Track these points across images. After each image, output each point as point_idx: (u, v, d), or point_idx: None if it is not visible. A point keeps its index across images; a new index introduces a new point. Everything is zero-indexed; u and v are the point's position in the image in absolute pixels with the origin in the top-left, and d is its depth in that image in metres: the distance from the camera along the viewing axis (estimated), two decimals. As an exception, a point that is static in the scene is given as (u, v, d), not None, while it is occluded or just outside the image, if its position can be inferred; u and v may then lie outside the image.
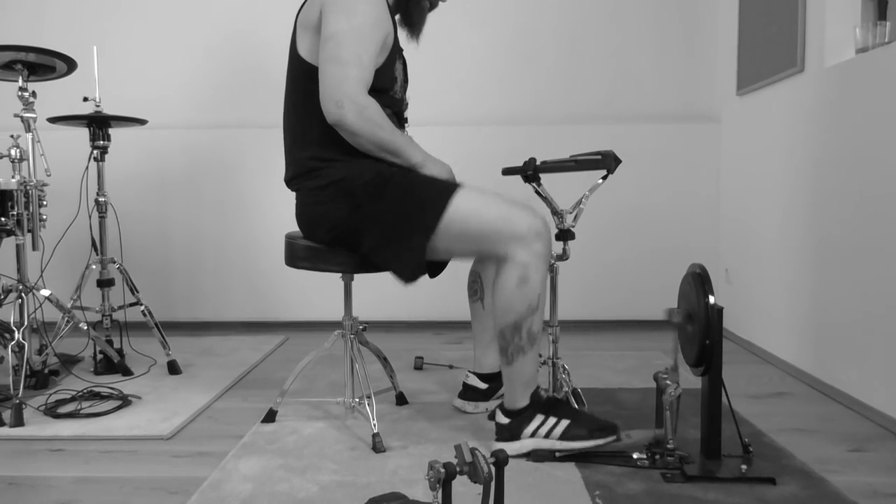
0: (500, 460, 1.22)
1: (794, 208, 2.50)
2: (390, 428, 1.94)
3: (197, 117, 3.32)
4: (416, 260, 1.68)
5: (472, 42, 3.31)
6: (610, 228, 3.28)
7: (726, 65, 3.17)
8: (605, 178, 1.96)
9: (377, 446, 1.76)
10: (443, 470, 1.16)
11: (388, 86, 1.78)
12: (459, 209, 1.66)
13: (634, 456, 1.67)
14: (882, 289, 1.97)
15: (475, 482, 1.18)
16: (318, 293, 3.31)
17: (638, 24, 3.29)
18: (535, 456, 1.70)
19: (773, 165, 2.67)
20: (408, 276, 1.71)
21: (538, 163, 1.92)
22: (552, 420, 1.70)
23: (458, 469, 1.17)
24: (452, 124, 3.29)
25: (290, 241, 1.87)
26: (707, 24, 3.28)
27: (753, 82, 2.82)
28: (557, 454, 1.69)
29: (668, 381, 1.63)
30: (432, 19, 3.23)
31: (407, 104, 1.94)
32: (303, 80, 1.77)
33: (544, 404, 1.73)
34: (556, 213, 1.95)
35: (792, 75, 2.51)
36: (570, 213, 1.96)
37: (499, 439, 1.74)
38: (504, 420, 1.73)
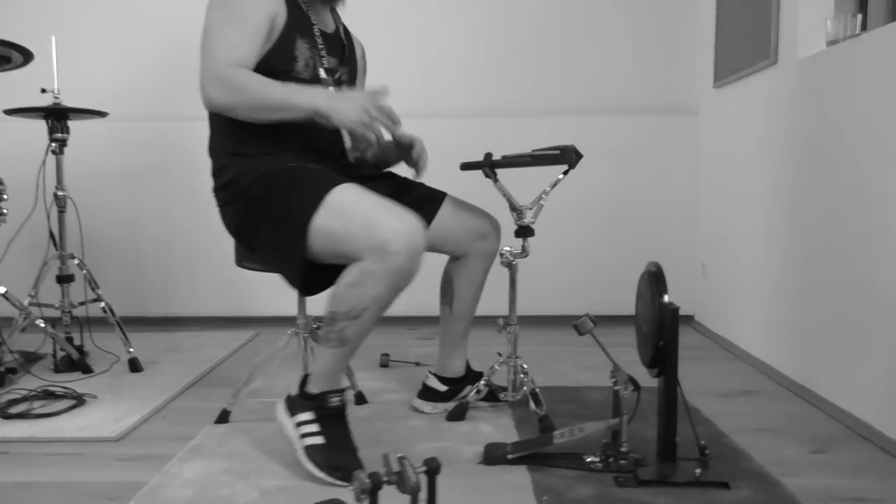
0: (433, 469, 1.18)
1: (767, 204, 2.45)
2: (345, 429, 1.90)
3: (164, 109, 3.26)
4: (300, 262, 1.58)
5: (449, 34, 3.25)
6: (586, 222, 3.23)
7: (705, 57, 3.12)
8: (566, 172, 1.91)
9: (326, 449, 1.72)
10: (368, 480, 1.11)
11: (286, 67, 1.69)
12: (332, 208, 1.52)
13: (587, 459, 1.63)
14: (852, 287, 1.93)
15: (403, 492, 1.14)
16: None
17: (615, 15, 3.22)
18: (488, 459, 1.66)
19: (748, 160, 2.62)
20: (296, 282, 1.63)
21: (501, 157, 1.88)
22: (312, 427, 1.59)
23: (384, 479, 1.13)
24: (429, 117, 3.22)
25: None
26: (685, 15, 3.22)
27: (729, 75, 2.77)
28: (509, 457, 1.65)
29: (618, 384, 1.59)
30: (410, 10, 3.19)
31: (342, 82, 1.85)
32: None
33: (322, 409, 1.60)
34: (514, 209, 1.90)
35: (765, 68, 2.45)
36: (530, 208, 1.91)
37: (287, 400, 1.64)
38: (295, 391, 1.64)
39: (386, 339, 2.99)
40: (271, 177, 1.63)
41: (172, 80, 3.25)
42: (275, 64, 1.66)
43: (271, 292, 3.26)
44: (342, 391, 1.62)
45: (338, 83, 1.84)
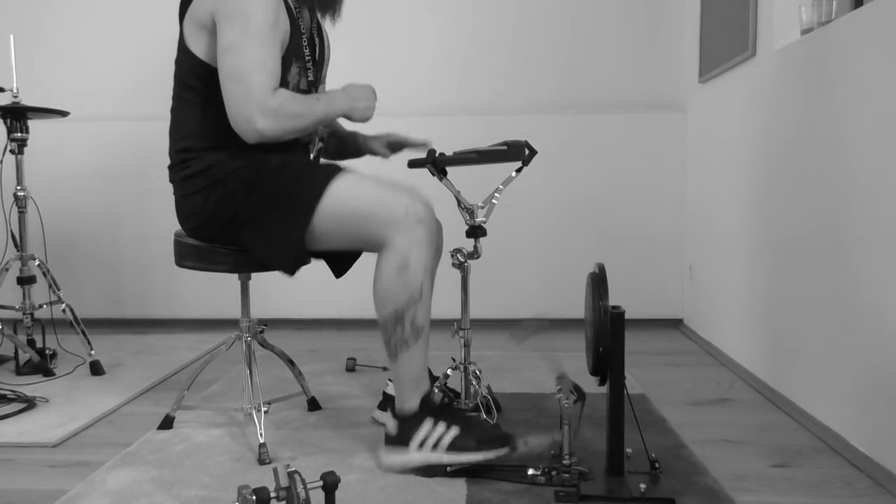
0: (329, 484, 1.11)
1: (747, 203, 2.35)
2: (289, 436, 1.83)
3: (140, 109, 3.23)
4: (294, 247, 1.57)
5: (428, 30, 3.18)
6: (571, 222, 3.13)
7: (691, 50, 3.01)
8: (519, 170, 1.83)
9: (262, 458, 1.65)
10: (253, 497, 1.04)
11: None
12: (338, 192, 1.56)
13: (529, 472, 1.54)
14: (830, 290, 1.82)
15: (293, 509, 1.07)
16: (276, 289, 3.21)
17: (600, 8, 3.13)
18: (426, 471, 1.58)
19: (730, 157, 2.51)
20: (288, 266, 1.60)
21: (448, 154, 1.80)
22: (441, 428, 1.57)
23: (272, 494, 1.06)
24: (407, 115, 3.15)
25: (177, 238, 1.76)
26: (672, 8, 3.11)
27: (713, 69, 2.66)
28: (449, 469, 1.57)
29: (560, 392, 1.50)
30: (388, 6, 3.13)
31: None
32: (191, 75, 1.66)
33: (436, 409, 1.60)
34: (465, 208, 1.82)
35: (745, 60, 2.35)
36: (482, 207, 1.83)
37: (388, 444, 1.62)
38: (393, 427, 1.61)
39: (357, 342, 2.92)
40: (257, 168, 1.61)
41: (146, 80, 3.22)
42: None
43: (254, 294, 3.21)
44: (432, 387, 1.65)
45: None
